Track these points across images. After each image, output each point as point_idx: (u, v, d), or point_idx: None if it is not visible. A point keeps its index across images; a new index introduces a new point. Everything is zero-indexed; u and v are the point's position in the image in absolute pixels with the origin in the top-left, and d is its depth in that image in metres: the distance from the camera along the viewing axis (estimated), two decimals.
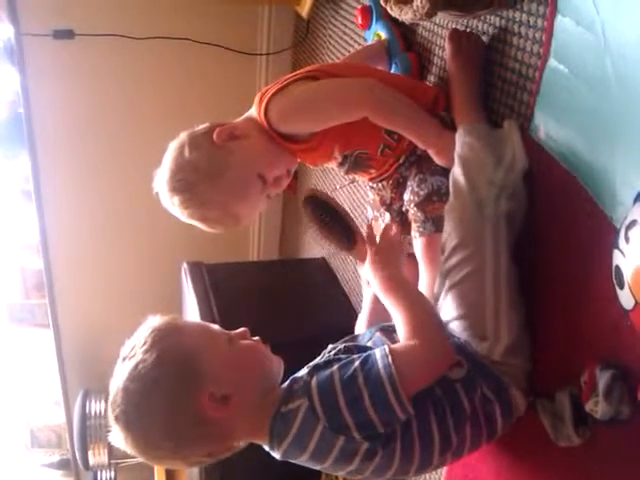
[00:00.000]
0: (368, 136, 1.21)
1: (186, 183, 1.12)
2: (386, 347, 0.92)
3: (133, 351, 0.92)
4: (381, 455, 0.90)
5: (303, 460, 0.92)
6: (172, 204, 1.14)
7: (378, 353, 0.91)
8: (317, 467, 0.94)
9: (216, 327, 1.01)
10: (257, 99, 1.18)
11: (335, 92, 1.15)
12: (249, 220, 1.21)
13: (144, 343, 0.92)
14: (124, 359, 0.93)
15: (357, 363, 0.91)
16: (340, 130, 1.16)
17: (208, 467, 1.85)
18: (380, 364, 0.89)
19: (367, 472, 0.92)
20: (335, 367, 0.92)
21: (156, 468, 3.10)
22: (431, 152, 1.15)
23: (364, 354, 0.93)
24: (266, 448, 0.95)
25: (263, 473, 1.76)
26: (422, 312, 0.98)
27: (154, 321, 0.96)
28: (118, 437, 0.91)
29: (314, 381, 0.91)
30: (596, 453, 0.89)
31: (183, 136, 1.16)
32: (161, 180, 1.14)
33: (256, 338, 1.01)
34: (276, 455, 0.94)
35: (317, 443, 0.88)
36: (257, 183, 1.15)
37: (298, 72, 1.21)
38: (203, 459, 0.96)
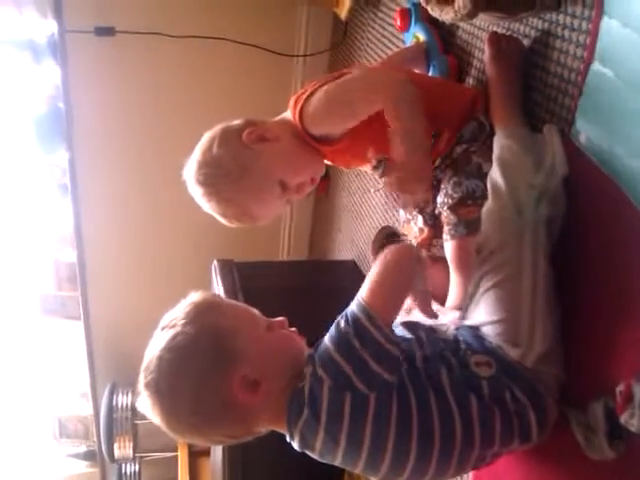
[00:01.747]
0: None
1: (209, 178, 1.13)
2: (359, 297, 0.94)
3: (173, 322, 0.93)
4: (396, 419, 0.88)
5: (320, 439, 0.90)
6: (196, 194, 1.17)
7: (353, 303, 0.94)
8: (334, 451, 0.91)
9: (256, 311, 1.01)
10: (292, 102, 1.19)
11: (363, 81, 1.13)
12: (267, 221, 1.22)
13: (185, 316, 0.93)
14: (163, 328, 0.94)
15: (337, 318, 0.94)
16: (374, 131, 1.15)
17: (230, 462, 1.86)
18: (354, 305, 0.93)
19: (383, 465, 0.90)
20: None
21: (180, 461, 3.12)
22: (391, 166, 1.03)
23: None
24: (287, 438, 0.94)
25: (285, 474, 1.77)
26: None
27: (196, 296, 0.98)
28: (145, 404, 0.92)
29: (314, 352, 0.93)
30: (631, 468, 0.86)
31: (217, 129, 1.17)
32: (189, 169, 1.17)
33: (293, 329, 1.01)
34: (295, 443, 0.93)
35: (327, 407, 0.88)
36: (277, 188, 1.16)
37: (334, 74, 1.21)
38: (224, 439, 0.98)
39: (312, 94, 1.14)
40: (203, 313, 0.95)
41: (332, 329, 0.93)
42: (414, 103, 1.07)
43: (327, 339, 0.92)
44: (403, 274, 0.98)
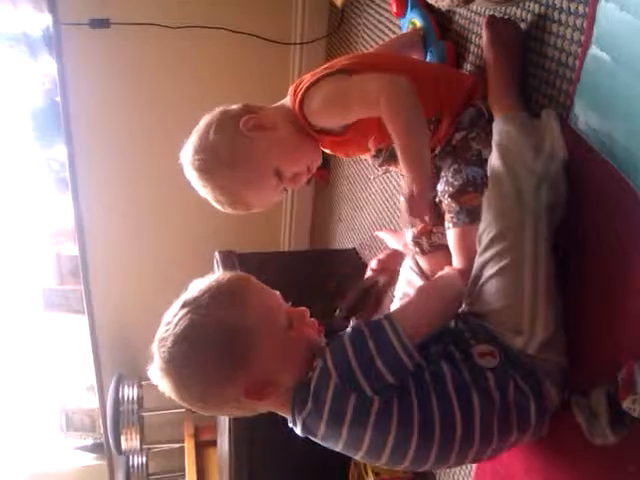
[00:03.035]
0: None
1: (204, 164, 1.13)
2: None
3: (196, 302, 0.92)
4: (397, 419, 0.89)
5: (321, 430, 0.91)
6: (191, 178, 1.17)
7: (382, 315, 0.97)
8: (336, 441, 0.92)
9: (279, 300, 1.00)
10: (291, 90, 1.19)
11: (364, 88, 1.10)
12: (262, 208, 1.22)
13: (208, 301, 0.92)
14: (184, 306, 0.93)
15: (362, 325, 0.95)
16: (375, 123, 1.14)
17: (237, 453, 1.87)
18: (382, 318, 0.95)
19: (383, 456, 0.91)
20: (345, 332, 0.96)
21: (187, 452, 3.14)
22: (405, 177, 1.03)
23: None
24: (289, 424, 0.96)
25: (291, 464, 1.78)
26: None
27: (225, 281, 0.96)
28: (155, 374, 0.94)
29: (328, 347, 0.94)
30: (633, 452, 0.87)
31: (215, 113, 1.17)
32: (186, 153, 1.17)
33: (313, 320, 1.01)
34: (297, 429, 0.94)
35: (331, 403, 0.89)
36: (272, 178, 1.15)
37: (333, 63, 1.20)
38: (233, 412, 1.00)
39: (311, 85, 1.14)
40: (225, 304, 0.93)
41: (353, 331, 0.95)
42: (409, 102, 1.05)
43: (345, 337, 0.94)
44: (443, 307, 1.02)
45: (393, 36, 1.74)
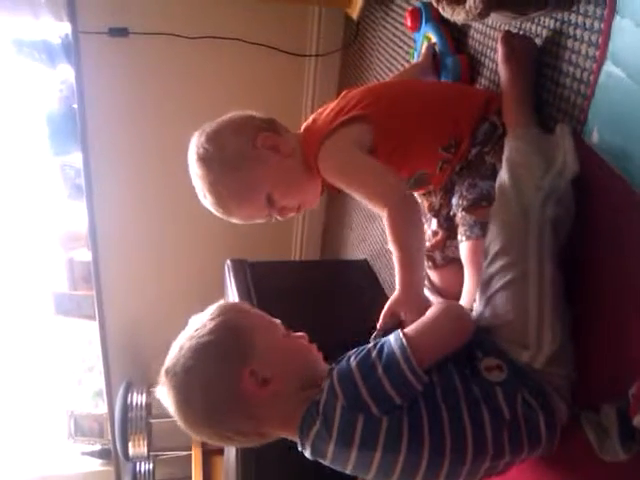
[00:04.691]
0: (425, 159, 1.21)
1: (207, 154, 1.14)
2: (399, 331, 0.94)
3: (199, 319, 0.99)
4: (408, 439, 0.88)
5: (330, 452, 0.90)
6: (190, 160, 1.18)
7: (392, 335, 0.94)
8: (345, 463, 0.91)
9: (278, 321, 1.04)
10: (305, 127, 1.21)
11: (374, 181, 1.11)
12: (241, 221, 1.21)
13: (210, 313, 0.99)
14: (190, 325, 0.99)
15: (370, 344, 0.94)
16: (393, 165, 1.16)
17: (244, 461, 1.87)
18: (392, 339, 0.93)
19: (393, 476, 0.90)
20: (352, 352, 0.95)
21: (194, 460, 3.13)
22: (398, 291, 1.06)
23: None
24: (299, 447, 0.95)
25: (298, 472, 1.77)
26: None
27: (223, 301, 1.03)
28: (162, 391, 0.96)
29: (336, 367, 0.93)
30: None
31: (244, 114, 1.19)
32: (199, 135, 1.18)
33: (313, 344, 1.03)
34: (306, 452, 0.94)
35: (339, 425, 0.88)
36: (262, 199, 1.16)
37: (348, 101, 1.20)
38: (234, 436, 0.98)
39: (329, 135, 1.14)
40: (226, 312, 0.99)
41: (361, 351, 0.93)
42: (412, 220, 1.08)
43: (352, 359, 0.92)
44: (458, 334, 0.99)
45: (407, 49, 1.75)
